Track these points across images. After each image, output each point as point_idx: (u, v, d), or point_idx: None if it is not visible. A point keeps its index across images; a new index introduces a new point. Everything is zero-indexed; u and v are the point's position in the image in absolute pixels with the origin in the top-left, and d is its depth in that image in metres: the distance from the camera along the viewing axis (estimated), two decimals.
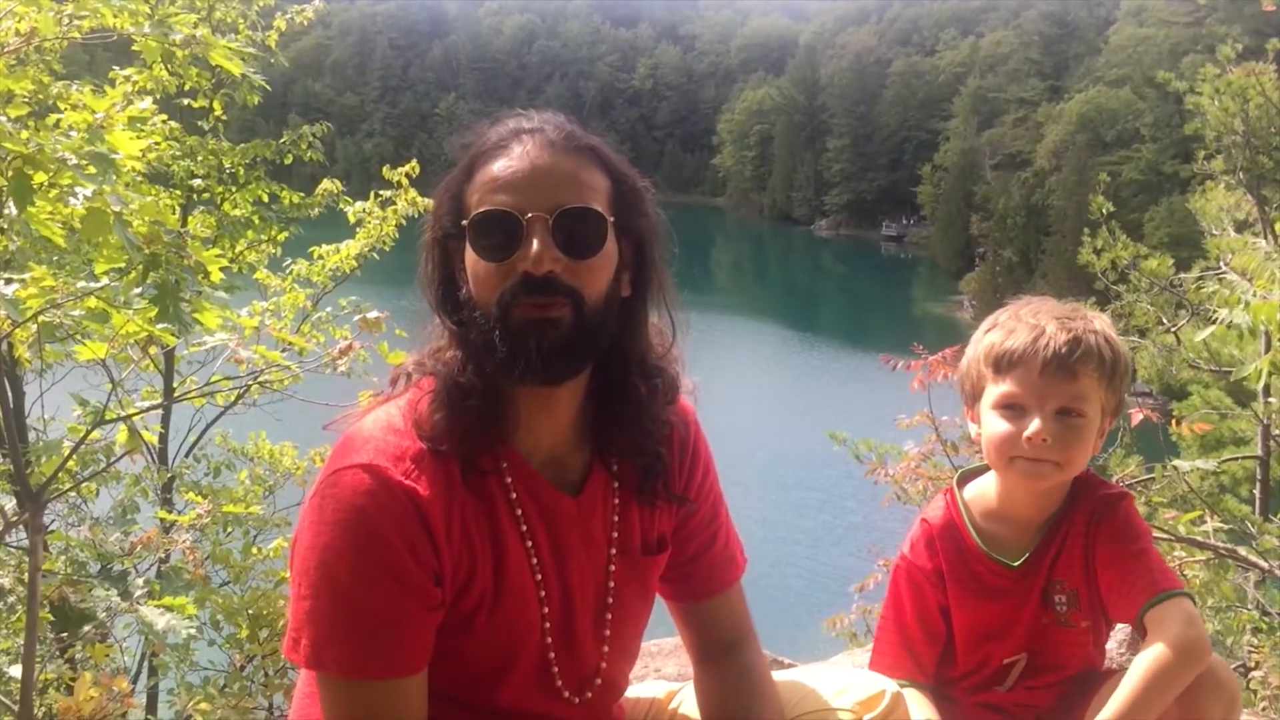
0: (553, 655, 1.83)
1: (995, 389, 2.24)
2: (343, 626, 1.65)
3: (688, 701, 2.12)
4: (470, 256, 1.73)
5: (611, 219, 1.75)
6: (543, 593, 1.80)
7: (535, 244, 1.66)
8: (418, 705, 1.69)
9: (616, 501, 1.89)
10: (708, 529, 2.05)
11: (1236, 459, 10.22)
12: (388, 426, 1.74)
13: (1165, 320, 10.62)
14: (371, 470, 1.67)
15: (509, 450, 1.78)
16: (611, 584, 1.89)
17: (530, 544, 1.79)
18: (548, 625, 1.82)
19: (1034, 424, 2.17)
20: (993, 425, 2.24)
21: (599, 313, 1.72)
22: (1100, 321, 2.27)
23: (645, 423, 1.87)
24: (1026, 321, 2.24)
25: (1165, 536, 5.00)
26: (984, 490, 2.38)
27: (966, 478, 2.45)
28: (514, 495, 1.77)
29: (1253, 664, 5.32)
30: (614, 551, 1.89)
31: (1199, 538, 5.18)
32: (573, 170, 1.73)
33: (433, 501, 1.68)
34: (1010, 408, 2.22)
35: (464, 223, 1.73)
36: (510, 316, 1.68)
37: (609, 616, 1.90)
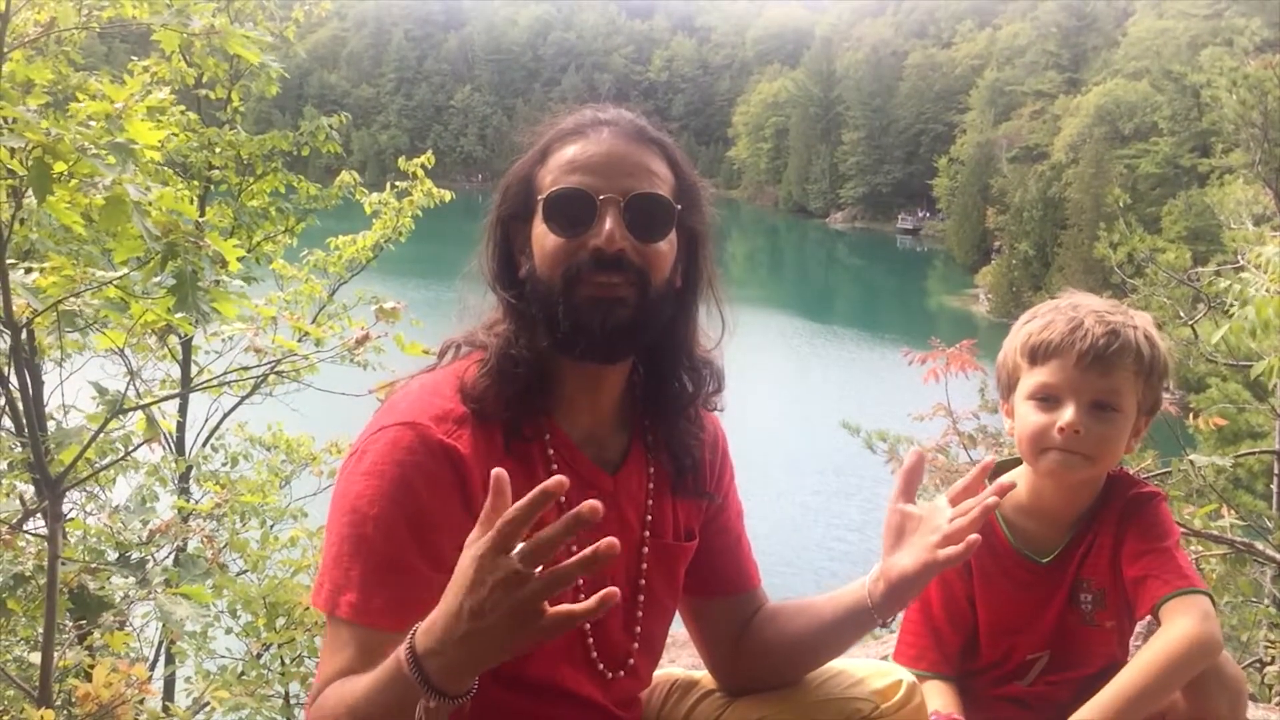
0: (588, 626, 1.85)
1: (1030, 379, 2.24)
2: (358, 572, 1.66)
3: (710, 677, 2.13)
4: (539, 231, 1.79)
5: (679, 206, 1.83)
6: None
7: (608, 222, 1.74)
8: None
9: (652, 486, 1.93)
10: (734, 527, 2.10)
11: (1253, 454, 10.16)
12: (434, 390, 1.79)
13: (1183, 313, 10.56)
14: (414, 427, 1.71)
15: (551, 423, 1.83)
16: (644, 565, 1.92)
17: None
18: (581, 596, 1.81)
19: (1067, 414, 2.17)
20: (1026, 416, 2.24)
21: (660, 297, 1.80)
22: (1141, 318, 2.25)
23: (686, 412, 1.93)
24: (1066, 314, 2.23)
25: (1181, 531, 4.98)
26: (1016, 484, 2.36)
27: (999, 471, 2.42)
28: (554, 466, 1.81)
29: (1269, 659, 5.30)
30: (648, 534, 1.92)
31: (1215, 532, 5.16)
32: (644, 160, 1.82)
33: (473, 461, 1.71)
34: (1044, 399, 2.21)
35: (539, 198, 1.80)
36: (575, 292, 1.74)
37: (641, 599, 1.93)
